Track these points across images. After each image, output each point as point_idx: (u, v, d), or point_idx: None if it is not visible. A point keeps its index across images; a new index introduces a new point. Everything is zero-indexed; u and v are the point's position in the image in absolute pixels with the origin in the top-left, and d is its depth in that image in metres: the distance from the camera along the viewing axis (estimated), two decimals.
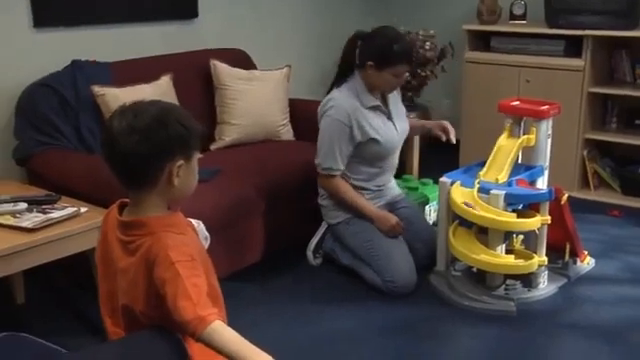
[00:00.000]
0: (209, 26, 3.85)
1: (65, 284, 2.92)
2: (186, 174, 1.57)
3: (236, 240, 2.91)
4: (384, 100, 3.08)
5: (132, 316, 1.56)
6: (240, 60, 3.68)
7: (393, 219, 3.01)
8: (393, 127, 3.06)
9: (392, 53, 2.92)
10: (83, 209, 2.47)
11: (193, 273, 1.46)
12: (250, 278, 3.02)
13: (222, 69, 3.46)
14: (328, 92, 3.07)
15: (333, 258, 3.16)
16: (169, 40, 3.62)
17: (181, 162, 1.54)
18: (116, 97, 2.91)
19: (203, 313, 1.41)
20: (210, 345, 1.40)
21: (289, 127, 3.61)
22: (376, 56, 2.94)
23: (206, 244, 1.88)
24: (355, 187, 3.03)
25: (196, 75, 3.47)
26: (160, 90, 3.07)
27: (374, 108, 3.00)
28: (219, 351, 1.40)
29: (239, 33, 4.01)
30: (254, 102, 3.47)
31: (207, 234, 1.89)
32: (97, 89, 2.95)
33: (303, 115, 3.68)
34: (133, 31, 3.49)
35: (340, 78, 3.06)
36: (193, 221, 1.82)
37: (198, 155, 1.62)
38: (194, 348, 1.51)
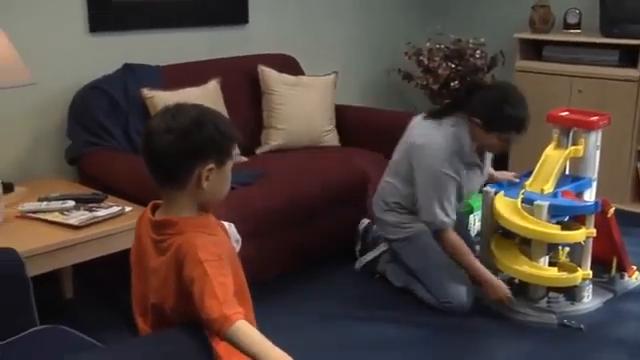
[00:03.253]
0: (259, 32, 3.90)
1: (111, 281, 2.99)
2: (217, 179, 1.59)
3: (276, 246, 2.93)
4: (481, 153, 2.91)
5: (162, 315, 1.59)
6: (288, 66, 3.72)
7: (504, 291, 2.79)
8: (481, 177, 2.98)
9: (502, 117, 2.69)
10: (128, 208, 2.53)
11: (220, 272, 1.49)
12: (289, 285, 3.03)
13: (269, 74, 3.50)
14: (428, 116, 2.89)
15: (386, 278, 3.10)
16: (219, 45, 3.69)
17: (212, 166, 1.56)
18: (164, 100, 2.96)
19: (229, 312, 1.43)
20: (234, 343, 1.43)
21: (335, 133, 3.63)
22: (485, 116, 2.72)
23: (237, 247, 1.91)
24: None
25: (244, 80, 3.53)
26: (208, 94, 3.13)
27: (471, 163, 2.87)
28: (242, 350, 1.43)
29: (288, 39, 4.05)
30: (300, 107, 3.50)
31: (239, 237, 1.92)
32: (146, 92, 3.03)
33: (349, 121, 3.71)
34: (184, 36, 3.57)
35: (445, 113, 2.84)
36: (225, 224, 1.85)
37: (232, 161, 1.64)
38: (220, 347, 1.54)
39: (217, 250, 1.54)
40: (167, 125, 1.53)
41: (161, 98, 3.00)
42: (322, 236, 3.10)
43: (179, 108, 1.59)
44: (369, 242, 3.19)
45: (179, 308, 1.55)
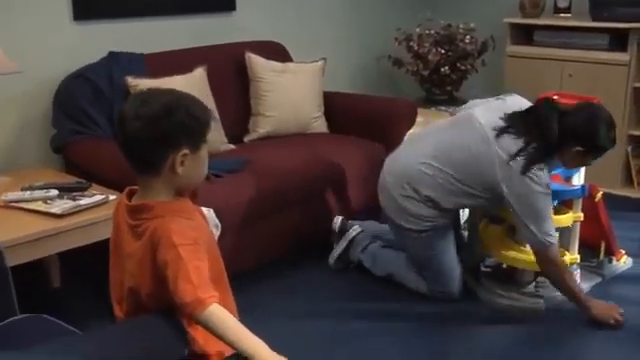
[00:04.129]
0: (247, 19, 3.88)
1: (98, 269, 2.99)
2: (192, 164, 1.58)
3: (263, 233, 2.92)
4: None
5: (137, 301, 1.59)
6: (276, 53, 3.70)
7: (616, 309, 2.65)
8: None
9: (602, 140, 2.58)
10: (112, 197, 2.52)
11: (195, 256, 1.49)
12: (274, 273, 3.03)
13: (257, 61, 3.48)
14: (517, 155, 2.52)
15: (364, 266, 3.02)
16: (206, 33, 3.66)
17: (186, 152, 1.55)
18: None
19: (203, 295, 1.43)
20: (208, 328, 1.43)
21: (323, 120, 3.61)
22: (587, 142, 2.56)
23: (217, 232, 1.91)
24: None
25: (231, 67, 3.51)
26: (193, 81, 3.11)
27: None
28: (217, 334, 1.42)
29: (277, 26, 4.02)
30: (288, 94, 3.48)
31: (218, 222, 1.92)
32: (131, 80, 3.01)
33: (338, 108, 3.69)
34: (170, 24, 3.54)
35: (541, 157, 2.53)
36: (204, 209, 1.84)
37: (207, 146, 1.63)
38: (198, 332, 1.53)
39: (193, 234, 1.53)
40: (136, 111, 1.52)
41: (146, 86, 2.96)
42: (308, 224, 3.09)
43: (150, 94, 1.58)
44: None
45: (154, 293, 1.55)
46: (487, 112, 2.68)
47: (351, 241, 3.05)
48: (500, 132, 2.56)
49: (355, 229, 3.06)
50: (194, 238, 1.52)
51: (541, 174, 2.51)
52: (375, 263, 2.98)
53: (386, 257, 2.98)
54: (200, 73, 3.21)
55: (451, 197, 2.67)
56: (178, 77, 3.07)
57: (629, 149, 4.01)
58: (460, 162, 2.61)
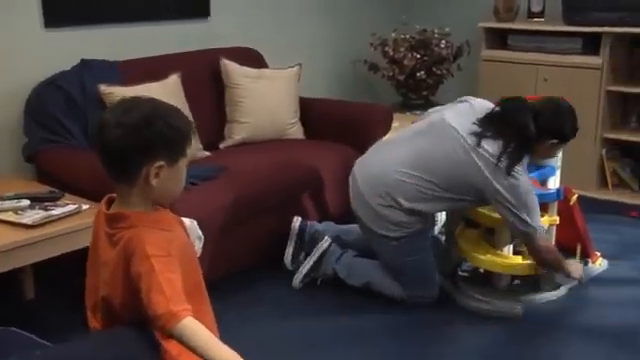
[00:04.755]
0: (221, 25, 3.85)
1: (74, 280, 2.94)
2: (168, 177, 1.56)
3: (237, 241, 2.89)
4: None
5: (110, 310, 1.57)
6: (251, 59, 3.68)
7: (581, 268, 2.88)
8: None
9: (571, 131, 2.72)
10: (85, 206, 2.49)
11: (168, 268, 1.47)
12: (249, 280, 3.01)
13: (232, 68, 3.46)
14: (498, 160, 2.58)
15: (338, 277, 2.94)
16: (181, 39, 3.63)
17: (162, 163, 1.53)
18: (123, 96, 2.91)
19: (175, 308, 1.41)
20: (181, 342, 1.41)
21: (299, 125, 3.60)
22: (559, 135, 2.69)
23: (200, 244, 1.88)
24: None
25: (206, 74, 3.48)
26: (168, 88, 3.08)
27: None
28: (190, 348, 1.40)
29: (252, 32, 4.01)
30: (264, 101, 3.47)
31: (201, 234, 1.89)
32: (104, 88, 2.97)
33: (314, 114, 3.68)
34: (144, 30, 3.50)
35: (521, 154, 2.61)
36: (186, 220, 1.82)
37: (186, 160, 1.61)
38: (171, 345, 1.51)
39: (167, 246, 1.52)
40: (117, 119, 1.51)
41: (119, 94, 2.93)
42: (285, 230, 3.06)
43: (133, 102, 1.57)
44: (307, 243, 3.02)
45: (127, 303, 1.54)
46: (459, 117, 2.70)
47: (322, 254, 2.97)
48: (479, 137, 2.60)
49: (325, 240, 2.98)
50: (167, 250, 1.50)
51: (521, 169, 2.59)
52: (351, 273, 2.93)
53: (361, 266, 2.94)
54: (174, 80, 3.19)
55: (433, 203, 2.68)
56: (152, 84, 3.03)
57: (604, 152, 4.04)
58: (443, 170, 2.63)
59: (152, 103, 1.58)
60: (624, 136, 4.04)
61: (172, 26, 3.64)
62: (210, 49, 3.61)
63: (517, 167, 2.58)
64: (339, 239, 3.04)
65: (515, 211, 2.59)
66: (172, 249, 1.52)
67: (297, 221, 3.04)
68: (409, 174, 2.65)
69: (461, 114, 2.72)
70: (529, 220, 2.60)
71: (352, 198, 2.84)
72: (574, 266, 2.84)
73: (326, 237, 3.00)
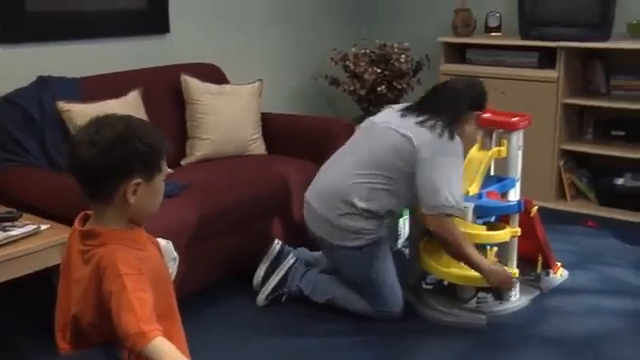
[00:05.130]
0: (181, 41, 3.84)
1: (37, 302, 2.88)
2: (145, 194, 1.55)
3: (201, 258, 2.86)
4: None
5: (80, 329, 1.55)
6: (212, 75, 3.67)
7: (508, 274, 2.80)
8: None
9: (485, 98, 2.88)
10: (44, 226, 2.44)
11: (140, 287, 1.45)
12: (214, 297, 2.98)
13: (192, 84, 3.45)
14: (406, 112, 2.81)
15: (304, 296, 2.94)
16: (140, 56, 3.61)
17: (139, 181, 1.52)
18: (82, 113, 2.88)
19: (146, 328, 1.39)
20: None
21: (261, 141, 3.60)
22: (481, 104, 2.86)
23: (174, 265, 1.86)
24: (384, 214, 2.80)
25: (166, 90, 3.46)
26: (128, 106, 3.05)
27: None
28: None
29: (212, 48, 4.00)
30: (225, 117, 3.46)
31: (176, 255, 1.87)
32: (62, 105, 2.93)
33: (276, 129, 3.68)
34: (103, 47, 3.47)
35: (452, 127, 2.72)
36: (162, 241, 1.79)
37: (163, 175, 1.60)
38: None
39: (138, 264, 1.50)
40: (91, 138, 1.50)
41: (78, 111, 2.91)
42: (248, 247, 3.05)
43: (106, 120, 1.54)
44: (272, 259, 3.00)
45: (95, 323, 1.51)
46: (385, 115, 2.91)
47: (288, 271, 2.96)
48: (409, 120, 2.76)
49: (292, 257, 2.99)
50: (138, 268, 1.49)
51: (452, 145, 2.68)
52: (315, 289, 2.93)
53: (326, 282, 2.95)
54: (134, 97, 3.16)
55: (385, 199, 2.74)
56: (112, 101, 3.01)
57: (561, 163, 4.12)
58: (386, 159, 2.72)
59: (125, 120, 1.56)
60: (581, 147, 4.13)
61: (131, 42, 3.61)
62: (170, 65, 3.59)
63: (448, 142, 2.67)
64: (308, 263, 3.05)
65: (431, 181, 2.62)
66: (144, 268, 1.51)
67: (278, 244, 3.02)
68: (360, 174, 2.74)
69: (386, 114, 2.94)
70: (448, 195, 2.60)
71: (310, 224, 2.87)
72: (502, 275, 2.74)
73: (292, 254, 3.01)
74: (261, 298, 2.95)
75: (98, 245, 1.53)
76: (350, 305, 2.86)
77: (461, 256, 2.71)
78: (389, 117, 2.86)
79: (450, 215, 2.65)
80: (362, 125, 3.01)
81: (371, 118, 2.99)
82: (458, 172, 2.69)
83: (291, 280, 2.95)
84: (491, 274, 2.70)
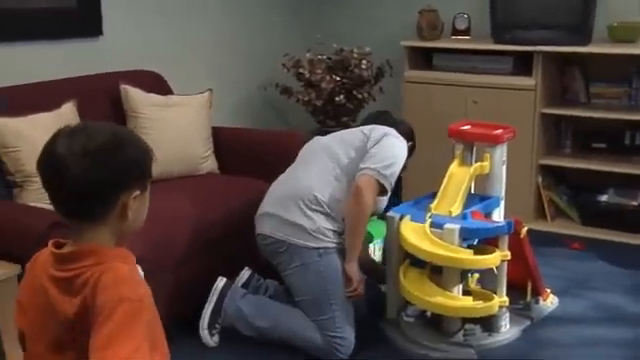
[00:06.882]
0: (116, 45, 3.82)
1: None
2: (140, 206, 1.54)
3: (153, 292, 2.84)
4: None
5: None
6: (154, 83, 3.67)
7: (361, 285, 2.98)
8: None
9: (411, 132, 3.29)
10: None
11: (138, 317, 1.43)
12: (167, 334, 2.95)
13: (134, 94, 3.43)
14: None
15: (235, 327, 2.99)
16: (69, 61, 3.57)
17: (137, 193, 1.51)
18: (11, 128, 2.86)
19: None
20: None
21: (213, 159, 3.61)
22: (412, 139, 3.27)
23: None
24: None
25: (103, 101, 3.43)
26: (63, 119, 2.98)
27: None
28: None
29: (150, 52, 4.00)
30: (172, 132, 3.44)
31: (142, 274, 1.87)
32: None
33: (228, 145, 3.70)
34: (23, 50, 3.41)
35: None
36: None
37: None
38: None
39: (144, 291, 1.47)
40: (83, 148, 1.45)
41: (7, 126, 2.86)
42: (203, 279, 3.04)
43: (89, 128, 1.51)
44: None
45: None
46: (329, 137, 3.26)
47: (220, 295, 3.00)
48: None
49: (220, 280, 3.04)
50: (140, 295, 1.47)
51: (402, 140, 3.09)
52: (259, 312, 2.97)
53: (273, 306, 3.02)
54: (70, 108, 3.12)
55: (336, 188, 2.97)
56: (45, 114, 2.97)
57: (540, 180, 4.26)
58: (340, 150, 3.07)
59: (110, 125, 1.55)
60: (559, 162, 4.29)
61: (59, 46, 3.57)
62: (106, 73, 3.57)
63: (397, 133, 3.08)
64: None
65: (380, 150, 2.95)
66: (145, 293, 1.49)
67: (221, 281, 3.04)
68: (318, 173, 3.02)
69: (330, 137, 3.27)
70: (388, 163, 2.92)
71: (263, 233, 2.99)
72: (356, 274, 2.93)
73: (220, 277, 3.05)
74: (206, 338, 2.97)
75: (93, 265, 1.47)
76: (297, 333, 2.90)
77: (357, 225, 2.92)
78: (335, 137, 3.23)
79: (380, 187, 2.92)
80: (301, 152, 3.24)
81: (310, 144, 3.29)
82: (401, 160, 3.01)
83: (228, 304, 2.99)
84: (353, 269, 2.91)
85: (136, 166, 1.51)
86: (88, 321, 1.44)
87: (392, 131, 3.08)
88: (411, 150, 3.21)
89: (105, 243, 1.52)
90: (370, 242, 3.58)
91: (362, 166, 2.93)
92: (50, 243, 1.56)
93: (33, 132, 2.84)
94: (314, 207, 2.91)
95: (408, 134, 3.22)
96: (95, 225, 1.51)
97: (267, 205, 3.03)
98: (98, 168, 1.45)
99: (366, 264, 3.20)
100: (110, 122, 1.60)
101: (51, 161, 1.47)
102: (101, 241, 1.52)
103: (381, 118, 3.28)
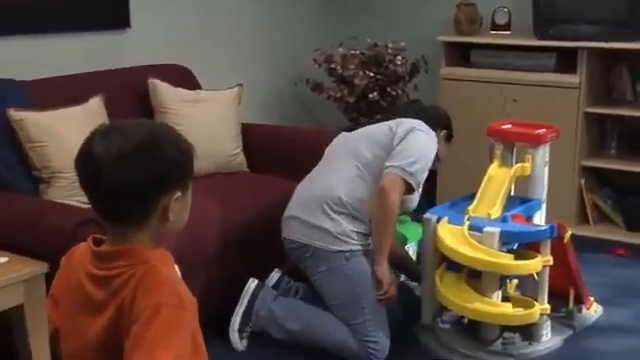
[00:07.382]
0: (143, 38, 3.86)
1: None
2: (182, 207, 1.53)
3: None
4: None
5: None
6: (182, 78, 3.69)
7: (393, 287, 2.97)
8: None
9: (449, 120, 3.28)
10: (2, 259, 2.42)
11: (180, 323, 1.44)
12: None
13: (163, 89, 3.46)
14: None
15: (266, 329, 3.01)
16: (97, 54, 3.61)
17: (179, 194, 1.51)
18: (37, 123, 2.88)
19: None
20: None
21: (242, 157, 3.63)
22: (445, 125, 3.24)
23: None
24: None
25: (131, 96, 3.46)
26: (90, 114, 3.04)
27: None
28: None
29: (179, 46, 4.03)
30: (201, 128, 3.45)
31: None
32: (13, 113, 2.90)
33: (258, 142, 3.71)
34: (53, 43, 3.46)
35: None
36: None
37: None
38: None
39: (188, 296, 1.48)
40: (119, 149, 1.44)
41: (33, 121, 2.89)
42: (233, 281, 3.06)
43: (125, 127, 1.50)
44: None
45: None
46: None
47: (252, 298, 3.02)
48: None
49: (252, 281, 3.05)
50: (181, 299, 1.47)
51: (432, 133, 3.07)
52: (291, 313, 2.99)
53: (305, 308, 3.02)
54: (97, 103, 3.15)
55: (363, 189, 2.95)
56: (72, 108, 3.01)
57: (582, 182, 4.22)
58: (365, 148, 3.06)
59: (148, 124, 1.56)
60: (604, 164, 4.25)
61: (87, 38, 3.61)
62: (134, 67, 3.60)
63: (426, 126, 3.06)
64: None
65: (407, 146, 2.93)
66: (185, 297, 1.49)
67: (252, 282, 3.05)
68: (344, 171, 3.02)
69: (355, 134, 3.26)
70: (413, 160, 2.89)
71: (289, 238, 3.01)
72: (386, 276, 2.92)
73: (252, 278, 3.06)
74: (235, 343, 2.98)
75: (133, 264, 1.47)
76: (330, 335, 2.91)
77: (383, 226, 2.90)
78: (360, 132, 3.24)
79: (407, 185, 2.90)
80: (327, 151, 3.25)
81: (342, 133, 3.32)
82: (429, 155, 2.99)
83: (259, 307, 3.00)
84: (383, 271, 2.89)
85: (175, 166, 1.49)
86: (123, 323, 1.44)
87: (420, 124, 3.06)
88: (448, 138, 3.22)
89: (145, 245, 1.52)
90: (404, 245, 3.57)
91: (387, 164, 2.93)
92: (89, 239, 1.57)
93: (60, 127, 2.88)
94: (339, 209, 2.92)
95: (443, 122, 3.22)
96: (134, 228, 1.50)
97: (292, 208, 3.05)
98: (134, 170, 1.44)
99: (402, 260, 3.22)
100: (149, 120, 1.59)
101: (88, 161, 1.47)
102: (140, 243, 1.51)
103: (412, 108, 3.29)
